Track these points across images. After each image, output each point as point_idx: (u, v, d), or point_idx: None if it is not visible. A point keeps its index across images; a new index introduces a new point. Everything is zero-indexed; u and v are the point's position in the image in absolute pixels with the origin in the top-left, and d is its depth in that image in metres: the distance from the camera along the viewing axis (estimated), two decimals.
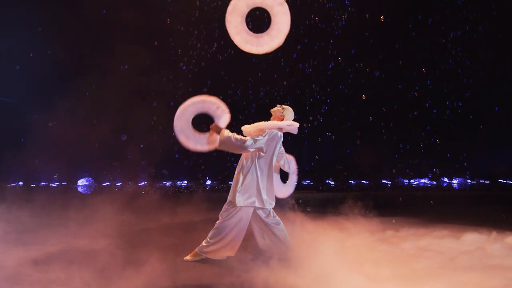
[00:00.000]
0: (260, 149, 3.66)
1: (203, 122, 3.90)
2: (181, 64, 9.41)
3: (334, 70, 10.32)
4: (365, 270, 3.27)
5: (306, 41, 10.18)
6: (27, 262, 3.59)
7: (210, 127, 3.71)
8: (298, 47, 10.11)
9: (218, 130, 3.63)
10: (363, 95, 9.38)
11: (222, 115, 3.76)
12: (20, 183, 10.85)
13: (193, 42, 9.26)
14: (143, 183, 11.42)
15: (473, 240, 4.28)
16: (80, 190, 11.00)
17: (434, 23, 10.23)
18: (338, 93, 10.65)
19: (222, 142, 3.56)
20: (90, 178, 11.65)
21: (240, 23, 3.91)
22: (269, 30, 3.97)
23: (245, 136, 3.68)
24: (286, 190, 4.27)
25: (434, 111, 11.01)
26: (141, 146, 9.69)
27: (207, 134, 3.76)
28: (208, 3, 8.16)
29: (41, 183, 11.14)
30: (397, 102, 10.95)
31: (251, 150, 3.62)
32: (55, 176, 11.39)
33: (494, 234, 4.50)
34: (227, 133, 3.58)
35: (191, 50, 9.36)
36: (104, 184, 11.39)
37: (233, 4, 3.90)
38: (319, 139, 10.81)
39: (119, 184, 11.25)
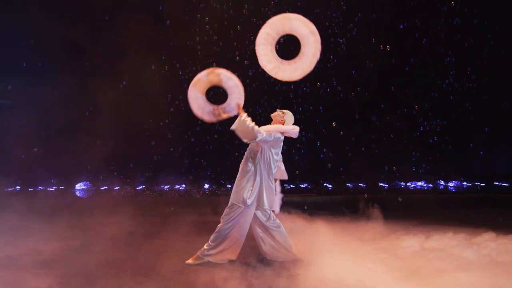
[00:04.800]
0: (265, 143, 3.69)
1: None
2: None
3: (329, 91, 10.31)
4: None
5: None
6: None
7: (237, 104, 3.85)
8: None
9: (240, 111, 3.77)
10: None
11: (235, 89, 3.88)
12: (18, 187, 10.77)
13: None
14: (141, 187, 11.42)
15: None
16: (78, 194, 10.96)
17: (431, 42, 10.27)
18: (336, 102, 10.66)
19: (240, 122, 3.59)
20: (88, 182, 11.61)
21: (270, 51, 3.88)
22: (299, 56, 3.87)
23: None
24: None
25: (438, 121, 11.08)
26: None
27: (217, 107, 3.94)
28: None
29: (39, 187, 11.07)
30: (395, 108, 11.04)
31: (259, 140, 3.62)
32: (52, 181, 11.33)
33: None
34: (245, 116, 3.63)
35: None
36: (102, 188, 11.35)
37: (263, 32, 3.83)
38: (318, 144, 10.91)
39: (117, 188, 11.23)
